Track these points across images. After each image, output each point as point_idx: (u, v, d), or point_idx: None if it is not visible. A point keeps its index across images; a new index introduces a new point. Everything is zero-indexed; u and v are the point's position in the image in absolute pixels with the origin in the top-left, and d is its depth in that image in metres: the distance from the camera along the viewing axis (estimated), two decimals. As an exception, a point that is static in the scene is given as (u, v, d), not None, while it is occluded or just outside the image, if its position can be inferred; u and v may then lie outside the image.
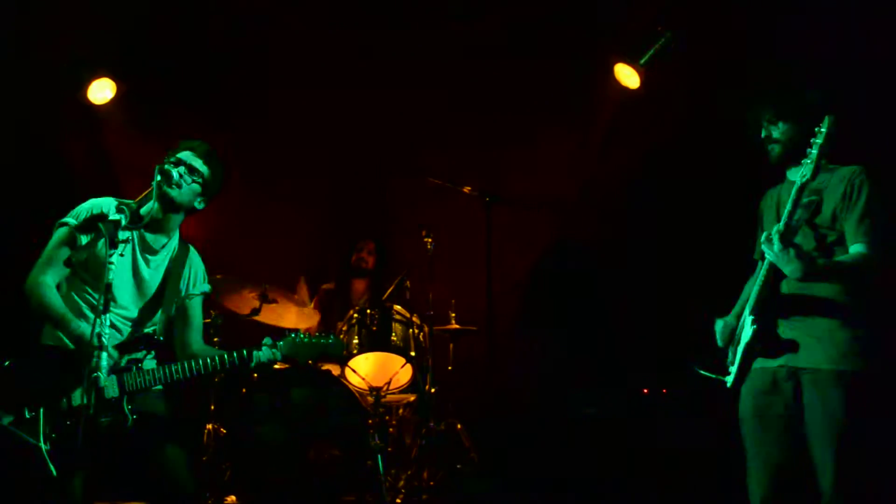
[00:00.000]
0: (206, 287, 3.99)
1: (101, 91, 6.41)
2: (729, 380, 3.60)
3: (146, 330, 3.79)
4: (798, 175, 3.41)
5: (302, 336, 3.79)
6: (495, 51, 6.62)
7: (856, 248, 3.41)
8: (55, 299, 3.58)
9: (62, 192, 4.70)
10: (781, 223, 3.37)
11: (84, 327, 3.50)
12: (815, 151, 3.36)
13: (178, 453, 3.68)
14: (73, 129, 6.64)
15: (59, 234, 3.67)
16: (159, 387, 3.67)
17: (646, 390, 5.83)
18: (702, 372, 3.69)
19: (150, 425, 3.61)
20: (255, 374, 5.58)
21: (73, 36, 6.19)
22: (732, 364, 3.59)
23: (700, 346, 3.78)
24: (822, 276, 3.40)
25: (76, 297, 3.67)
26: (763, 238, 3.39)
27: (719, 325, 3.70)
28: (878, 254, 3.38)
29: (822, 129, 3.36)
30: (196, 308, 3.93)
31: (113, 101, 6.45)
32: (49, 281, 3.61)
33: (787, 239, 3.33)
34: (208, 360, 3.63)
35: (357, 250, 6.56)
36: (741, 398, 3.60)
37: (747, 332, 3.51)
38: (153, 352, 3.72)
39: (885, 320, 3.49)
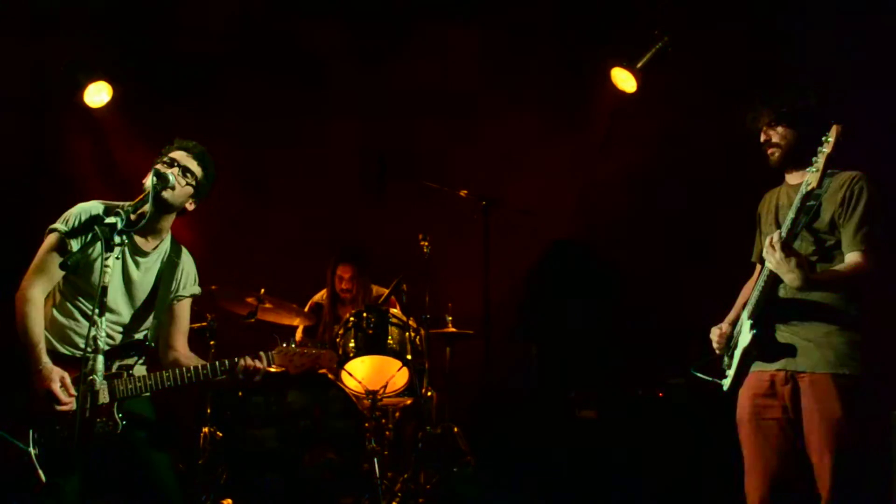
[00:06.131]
0: (197, 289, 3.96)
1: (98, 94, 6.41)
2: (725, 383, 3.61)
3: (138, 335, 3.77)
4: (802, 181, 3.41)
5: (294, 346, 3.78)
6: (493, 54, 6.62)
7: (852, 256, 3.41)
8: (36, 324, 3.52)
9: (58, 194, 4.69)
10: (784, 231, 3.37)
11: (46, 367, 3.45)
12: (821, 160, 3.34)
13: (164, 458, 3.69)
14: (70, 133, 6.64)
15: (50, 240, 3.63)
16: (148, 392, 3.67)
17: (661, 393, 5.82)
18: (699, 375, 3.68)
19: (137, 430, 3.61)
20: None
21: (70, 39, 6.19)
22: (729, 368, 3.59)
23: (698, 349, 3.78)
24: (820, 286, 3.41)
25: (69, 305, 3.65)
26: (766, 244, 3.40)
27: (715, 333, 3.70)
28: (874, 261, 3.39)
29: (830, 139, 3.34)
30: (184, 311, 3.91)
31: (109, 104, 6.45)
32: (37, 295, 3.56)
33: (788, 247, 3.33)
34: (199, 369, 3.62)
35: (338, 279, 6.35)
36: (739, 401, 3.60)
37: (745, 336, 3.51)
38: (143, 358, 3.71)
39: (882, 324, 3.50)
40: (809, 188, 3.36)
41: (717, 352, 3.67)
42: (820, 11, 5.55)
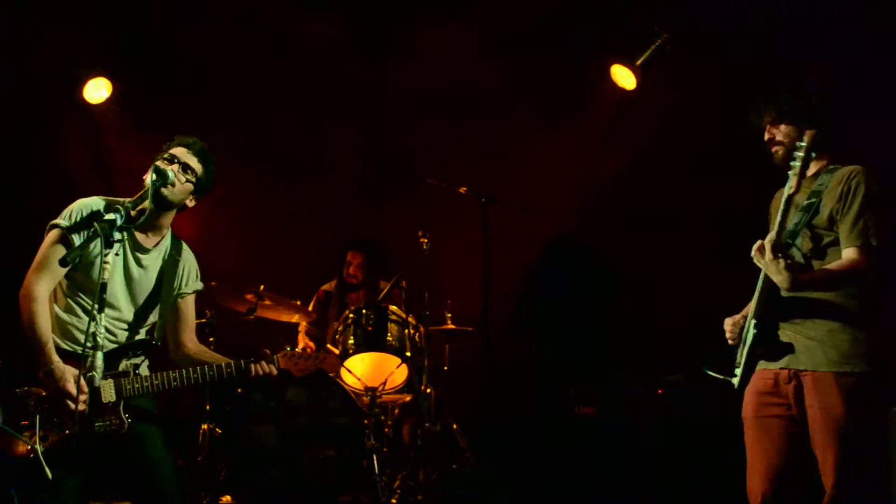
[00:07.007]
0: (199, 285, 3.96)
1: (97, 90, 6.42)
2: (735, 381, 3.61)
3: (143, 332, 3.76)
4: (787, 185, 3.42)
5: (299, 350, 3.81)
6: (493, 51, 6.62)
7: (848, 252, 3.41)
8: (44, 322, 3.49)
9: (58, 190, 4.68)
10: (773, 233, 3.38)
11: (58, 367, 3.44)
12: (797, 164, 3.36)
13: (166, 456, 3.68)
14: (69, 129, 6.63)
15: (52, 236, 3.59)
16: (154, 392, 3.66)
17: (660, 391, 5.82)
18: (710, 372, 3.68)
19: (141, 428, 3.60)
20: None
21: (70, 35, 6.18)
22: (739, 366, 3.60)
23: (698, 346, 3.78)
24: (811, 287, 3.41)
25: (71, 301, 3.63)
26: (754, 248, 3.40)
27: (728, 323, 3.70)
28: (871, 257, 3.38)
29: (802, 143, 3.36)
30: (189, 306, 3.90)
31: (109, 100, 6.45)
32: (42, 292, 3.52)
33: (778, 249, 3.33)
34: (206, 370, 3.63)
35: (347, 265, 6.51)
36: (744, 398, 3.61)
37: (749, 334, 3.52)
38: (149, 357, 3.71)
39: (885, 321, 3.49)
40: (791, 192, 3.37)
41: (731, 342, 3.67)
42: (820, 11, 5.55)
